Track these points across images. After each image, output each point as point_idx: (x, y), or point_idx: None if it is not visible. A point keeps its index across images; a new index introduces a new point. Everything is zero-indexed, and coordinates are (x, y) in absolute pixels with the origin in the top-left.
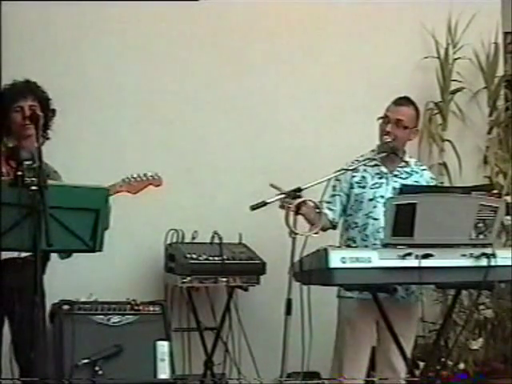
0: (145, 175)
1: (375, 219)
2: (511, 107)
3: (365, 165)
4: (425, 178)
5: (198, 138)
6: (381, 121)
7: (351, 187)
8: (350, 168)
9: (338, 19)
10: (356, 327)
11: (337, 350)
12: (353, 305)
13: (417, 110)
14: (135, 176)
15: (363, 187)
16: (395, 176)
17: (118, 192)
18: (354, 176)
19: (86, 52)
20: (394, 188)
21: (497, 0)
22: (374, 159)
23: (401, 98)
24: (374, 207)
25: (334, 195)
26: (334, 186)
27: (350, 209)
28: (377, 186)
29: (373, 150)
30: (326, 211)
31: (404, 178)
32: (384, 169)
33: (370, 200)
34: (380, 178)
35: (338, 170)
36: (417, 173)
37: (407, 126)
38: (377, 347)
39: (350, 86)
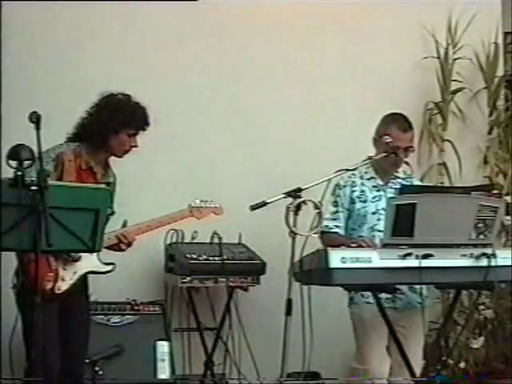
0: (207, 202)
1: (380, 231)
2: (511, 107)
3: (361, 178)
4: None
5: (198, 137)
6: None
7: (352, 202)
8: (351, 168)
9: (337, 19)
10: (377, 327)
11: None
12: (373, 309)
13: None
14: (200, 204)
15: (364, 201)
16: (390, 188)
17: (188, 217)
18: (353, 191)
19: (86, 52)
20: None
21: (497, 0)
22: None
23: (404, 121)
24: (378, 220)
25: (337, 212)
26: (335, 202)
27: (353, 223)
28: (377, 199)
29: (365, 160)
30: (336, 230)
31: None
32: (380, 181)
33: (373, 213)
34: (378, 190)
35: (339, 170)
36: (407, 181)
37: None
38: (390, 346)
39: (350, 86)
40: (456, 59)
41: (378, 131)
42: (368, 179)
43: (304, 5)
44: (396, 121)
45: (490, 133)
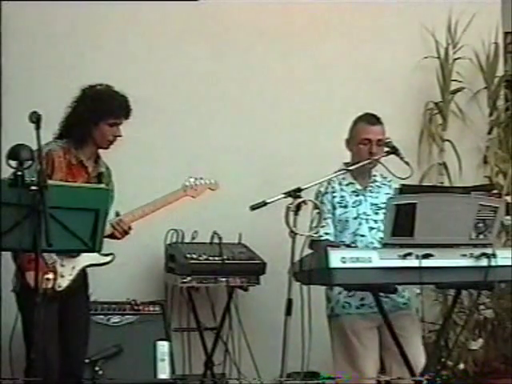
0: (202, 179)
1: (362, 236)
2: (511, 107)
3: (340, 184)
4: (393, 189)
5: (197, 137)
6: (360, 145)
7: (333, 208)
8: (350, 168)
9: (337, 19)
10: (361, 335)
11: (340, 363)
12: (354, 318)
13: None
14: (194, 181)
15: (345, 207)
16: (369, 191)
17: (183, 196)
18: (334, 197)
19: (87, 52)
20: (372, 204)
21: (497, 0)
22: (349, 171)
23: (371, 116)
24: (360, 224)
25: (324, 219)
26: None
27: (335, 229)
28: (357, 203)
29: (341, 170)
30: (326, 237)
31: (377, 192)
32: (358, 186)
33: (355, 218)
34: (357, 195)
35: (339, 170)
36: (385, 185)
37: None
38: (383, 348)
39: (350, 85)
40: (456, 59)
41: (349, 133)
42: (346, 185)
43: (304, 5)
44: (362, 117)
45: (489, 133)
